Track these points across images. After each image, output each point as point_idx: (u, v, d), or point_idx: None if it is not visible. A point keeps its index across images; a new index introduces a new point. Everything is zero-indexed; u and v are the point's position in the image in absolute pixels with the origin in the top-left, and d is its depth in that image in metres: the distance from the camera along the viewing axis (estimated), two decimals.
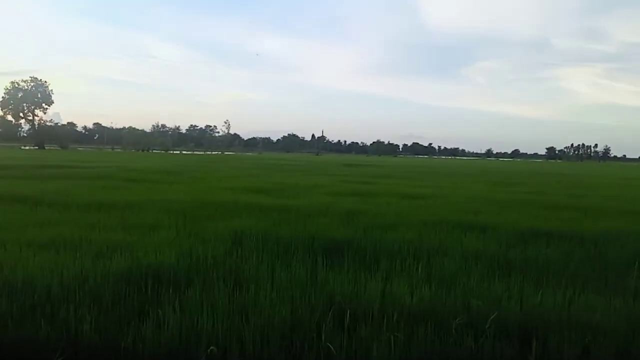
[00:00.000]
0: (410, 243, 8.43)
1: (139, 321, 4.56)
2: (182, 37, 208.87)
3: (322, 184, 23.41)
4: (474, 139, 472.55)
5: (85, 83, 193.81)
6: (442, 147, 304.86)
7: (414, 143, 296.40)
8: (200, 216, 11.09)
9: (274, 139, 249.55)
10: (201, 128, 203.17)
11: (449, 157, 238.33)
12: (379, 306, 4.98)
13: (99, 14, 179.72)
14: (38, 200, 12.96)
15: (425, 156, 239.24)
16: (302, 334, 4.46)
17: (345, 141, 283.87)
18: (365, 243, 8.37)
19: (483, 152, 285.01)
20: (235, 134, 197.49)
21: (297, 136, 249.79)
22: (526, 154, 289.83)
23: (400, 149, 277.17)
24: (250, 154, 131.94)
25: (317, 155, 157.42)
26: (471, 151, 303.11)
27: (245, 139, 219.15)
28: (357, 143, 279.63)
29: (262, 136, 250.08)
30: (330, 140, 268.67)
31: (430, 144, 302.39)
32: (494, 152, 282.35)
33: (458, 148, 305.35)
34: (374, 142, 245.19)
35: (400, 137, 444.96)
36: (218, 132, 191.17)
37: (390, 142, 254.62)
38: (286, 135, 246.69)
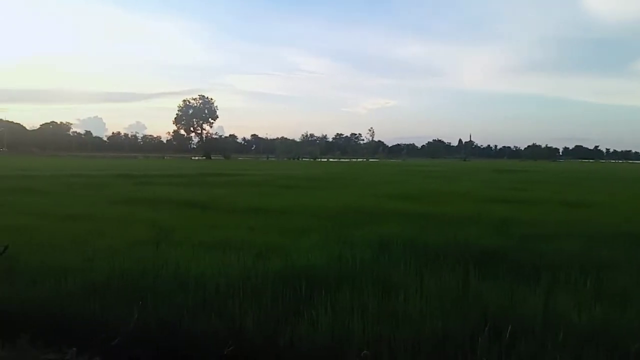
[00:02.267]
0: (574, 255, 7.64)
1: (295, 320, 4.81)
2: (326, 50, 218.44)
3: (470, 190, 22.42)
4: None
5: (243, 98, 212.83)
6: (611, 150, 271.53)
7: (576, 146, 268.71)
8: (348, 221, 11.35)
9: (419, 145, 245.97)
10: (346, 136, 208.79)
11: (620, 161, 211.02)
12: (540, 323, 4.58)
13: (251, 36, 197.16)
14: (207, 205, 14.46)
15: (591, 160, 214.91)
16: (455, 346, 4.30)
17: (495, 146, 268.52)
18: (522, 253, 7.78)
19: None
20: (379, 141, 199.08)
21: (442, 142, 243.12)
22: None
23: (560, 153, 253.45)
24: (394, 160, 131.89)
25: (465, 160, 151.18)
26: None
27: (389, 146, 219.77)
28: (509, 147, 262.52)
29: (406, 142, 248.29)
30: (478, 145, 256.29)
31: (597, 146, 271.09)
32: None
33: (631, 151, 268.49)
34: (528, 146, 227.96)
35: (559, 139, 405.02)
36: (363, 140, 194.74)
37: (548, 145, 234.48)
38: (431, 141, 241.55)
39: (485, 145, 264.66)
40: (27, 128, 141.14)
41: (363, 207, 14.12)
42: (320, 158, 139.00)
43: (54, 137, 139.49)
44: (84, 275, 6.31)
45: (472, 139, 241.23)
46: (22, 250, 7.37)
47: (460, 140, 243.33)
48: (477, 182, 30.32)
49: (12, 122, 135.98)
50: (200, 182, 25.65)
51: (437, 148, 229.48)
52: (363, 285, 5.79)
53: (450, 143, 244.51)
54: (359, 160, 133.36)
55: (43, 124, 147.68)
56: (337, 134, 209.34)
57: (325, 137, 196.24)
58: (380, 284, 5.91)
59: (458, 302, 5.17)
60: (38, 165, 45.11)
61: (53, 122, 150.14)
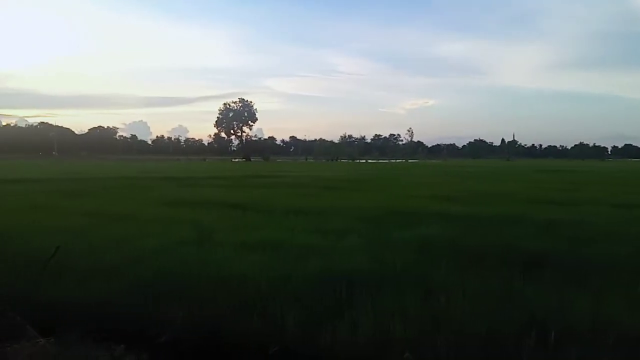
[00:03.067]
0: (624, 258, 7.33)
1: (336, 321, 4.82)
2: (365, 51, 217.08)
3: (514, 190, 21.84)
4: None
5: (281, 101, 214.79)
6: None
7: (625, 144, 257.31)
8: (388, 223, 11.27)
9: (459, 145, 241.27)
10: (385, 137, 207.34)
11: None
12: (589, 326, 4.42)
13: (289, 39, 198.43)
14: (247, 206, 14.66)
15: None
16: (499, 350, 4.20)
17: (540, 145, 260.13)
18: (570, 256, 7.52)
19: None
20: (418, 141, 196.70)
21: (484, 141, 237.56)
22: None
23: (609, 152, 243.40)
24: (434, 161, 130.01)
25: (508, 160, 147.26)
26: None
27: (429, 146, 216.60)
28: (554, 147, 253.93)
29: (447, 143, 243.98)
30: (522, 144, 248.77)
31: None
32: None
33: None
34: (575, 145, 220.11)
35: (607, 138, 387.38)
36: (402, 141, 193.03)
37: (596, 144, 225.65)
38: (472, 140, 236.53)
39: (529, 144, 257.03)
40: (76, 132, 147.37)
41: (403, 208, 13.99)
42: (359, 159, 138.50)
43: (102, 141, 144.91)
44: (131, 275, 6.52)
45: (515, 139, 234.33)
46: (73, 249, 7.68)
47: (503, 140, 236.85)
48: (521, 182, 29.51)
49: (62, 127, 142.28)
50: (241, 184, 26.06)
51: (478, 148, 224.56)
52: (404, 287, 5.74)
53: (492, 143, 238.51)
54: (397, 161, 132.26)
55: (91, 129, 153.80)
56: (376, 134, 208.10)
57: (363, 138, 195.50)
58: (421, 286, 5.85)
59: (502, 305, 5.05)
60: (87, 169, 46.94)
61: (100, 126, 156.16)
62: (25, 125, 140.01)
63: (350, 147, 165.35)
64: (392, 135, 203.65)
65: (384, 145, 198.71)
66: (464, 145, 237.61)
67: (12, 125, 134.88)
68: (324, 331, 4.62)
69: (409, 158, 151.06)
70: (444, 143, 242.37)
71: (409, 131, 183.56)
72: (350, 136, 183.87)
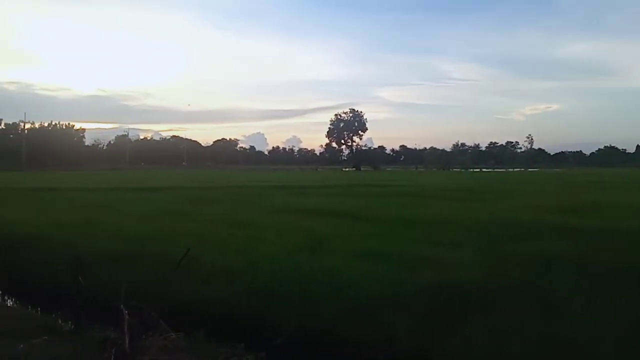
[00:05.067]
0: None
1: (448, 336, 4.70)
2: (478, 56, 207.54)
3: None
4: None
5: (391, 110, 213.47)
6: None
7: None
8: (504, 236, 10.70)
9: (587, 152, 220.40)
10: (501, 145, 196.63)
11: None
12: None
13: (398, 48, 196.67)
14: (358, 215, 14.81)
15: None
16: None
17: None
18: None
19: None
20: (539, 149, 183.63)
21: (616, 148, 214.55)
22: None
23: None
24: (557, 170, 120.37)
25: None
26: None
27: (551, 154, 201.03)
28: None
29: (572, 150, 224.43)
30: None
31: None
32: None
33: None
34: None
35: None
36: (520, 148, 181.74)
37: None
38: (602, 147, 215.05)
39: None
40: (203, 145, 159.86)
41: (521, 220, 13.19)
42: (473, 168, 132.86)
43: (224, 152, 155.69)
44: (249, 278, 6.95)
45: None
46: (198, 252, 8.35)
47: (638, 147, 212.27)
48: None
49: (190, 139, 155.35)
50: (351, 193, 26.35)
51: (609, 155, 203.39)
52: (523, 304, 5.43)
53: (625, 150, 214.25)
54: (515, 170, 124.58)
55: (215, 141, 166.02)
56: (491, 142, 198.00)
57: (477, 146, 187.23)
58: (542, 305, 5.49)
59: (636, 332, 4.56)
60: (211, 178, 50.63)
61: (224, 138, 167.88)
62: (160, 138, 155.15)
63: (463, 155, 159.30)
64: (509, 142, 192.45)
65: (501, 154, 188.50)
66: (593, 153, 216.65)
67: (148, 138, 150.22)
68: (435, 344, 4.54)
69: (529, 167, 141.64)
70: (568, 151, 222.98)
71: (528, 138, 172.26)
72: (463, 144, 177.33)
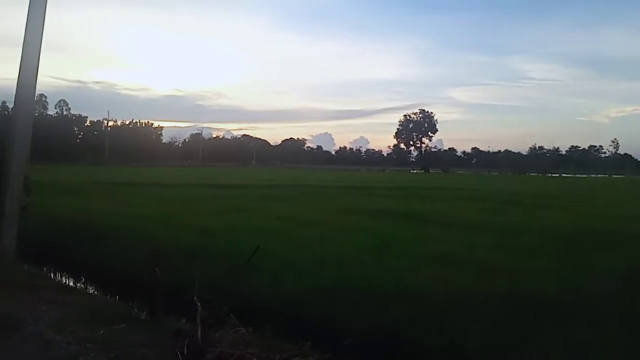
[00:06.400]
0: None
1: (522, 348, 4.49)
2: (559, 55, 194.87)
3: None
4: None
5: (463, 110, 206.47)
6: None
7: None
8: (584, 245, 10.07)
9: None
10: (583, 149, 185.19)
11: None
12: None
13: (472, 47, 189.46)
14: (425, 217, 14.52)
15: None
16: None
17: None
18: None
19: None
20: (625, 154, 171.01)
21: None
22: None
23: None
24: None
25: None
26: None
27: (638, 160, 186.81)
28: None
29: None
30: None
31: None
32: None
33: None
34: None
35: None
36: (604, 153, 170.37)
37: None
38: None
39: None
40: (271, 144, 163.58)
41: (604, 229, 12.35)
42: (551, 173, 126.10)
43: (292, 151, 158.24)
44: (316, 277, 6.99)
45: None
46: (267, 249, 8.53)
47: None
48: None
49: (260, 138, 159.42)
50: (419, 195, 25.88)
51: None
52: (605, 318, 5.07)
53: None
54: (598, 176, 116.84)
55: (284, 140, 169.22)
56: (572, 146, 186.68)
57: (557, 149, 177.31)
58: (629, 320, 5.10)
59: None
60: (279, 176, 51.65)
61: (291, 138, 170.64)
62: (231, 137, 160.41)
63: (541, 159, 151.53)
64: (592, 146, 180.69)
65: (582, 158, 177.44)
66: None
67: (220, 137, 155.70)
68: (507, 355, 4.34)
69: (613, 173, 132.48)
70: None
71: (613, 142, 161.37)
72: (540, 147, 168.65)
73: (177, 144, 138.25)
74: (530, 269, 7.56)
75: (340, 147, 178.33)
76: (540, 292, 6.08)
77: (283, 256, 8.22)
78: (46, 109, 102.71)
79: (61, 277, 9.58)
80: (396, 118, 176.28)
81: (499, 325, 5.03)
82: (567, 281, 6.66)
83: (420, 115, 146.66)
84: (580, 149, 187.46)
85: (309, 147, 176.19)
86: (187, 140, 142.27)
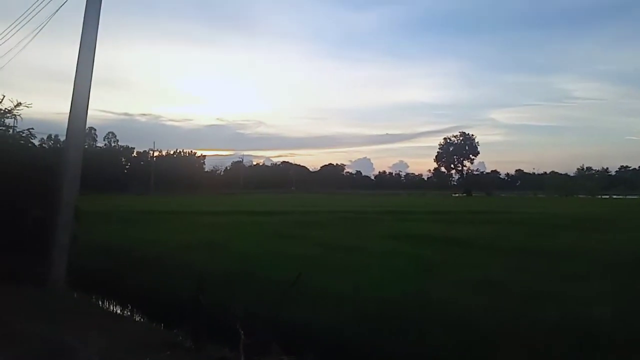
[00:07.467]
0: None
1: None
2: (605, 73, 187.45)
3: None
4: None
5: (505, 132, 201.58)
6: None
7: None
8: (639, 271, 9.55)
9: None
10: (634, 169, 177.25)
11: None
12: None
13: (512, 68, 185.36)
14: (469, 242, 14.17)
15: None
16: None
17: None
18: None
19: None
20: None
21: None
22: None
23: None
24: None
25: None
26: None
27: None
28: None
29: None
30: None
31: None
32: None
33: None
34: None
35: None
36: None
37: None
38: None
39: None
40: (310, 170, 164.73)
41: None
42: (601, 195, 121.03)
43: (331, 176, 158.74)
44: (357, 304, 6.90)
45: None
46: (307, 276, 8.48)
47: None
48: None
49: (299, 165, 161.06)
50: (462, 219, 25.32)
51: None
52: None
53: None
54: None
55: (323, 166, 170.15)
56: (622, 166, 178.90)
57: (606, 170, 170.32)
58: None
59: None
60: (319, 202, 51.75)
61: (330, 164, 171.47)
62: (271, 164, 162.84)
63: (590, 180, 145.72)
64: None
65: (634, 179, 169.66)
66: None
67: (260, 164, 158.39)
68: None
69: None
70: None
71: None
72: (589, 168, 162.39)
73: (219, 172, 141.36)
74: (583, 295, 7.21)
75: (379, 172, 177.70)
76: (594, 320, 5.78)
77: (324, 283, 8.16)
78: (95, 141, 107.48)
79: (109, 304, 9.83)
80: (436, 141, 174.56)
81: (550, 356, 4.81)
82: (622, 309, 6.31)
83: (461, 138, 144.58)
84: (630, 169, 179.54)
85: (348, 172, 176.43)
86: (228, 168, 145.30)
